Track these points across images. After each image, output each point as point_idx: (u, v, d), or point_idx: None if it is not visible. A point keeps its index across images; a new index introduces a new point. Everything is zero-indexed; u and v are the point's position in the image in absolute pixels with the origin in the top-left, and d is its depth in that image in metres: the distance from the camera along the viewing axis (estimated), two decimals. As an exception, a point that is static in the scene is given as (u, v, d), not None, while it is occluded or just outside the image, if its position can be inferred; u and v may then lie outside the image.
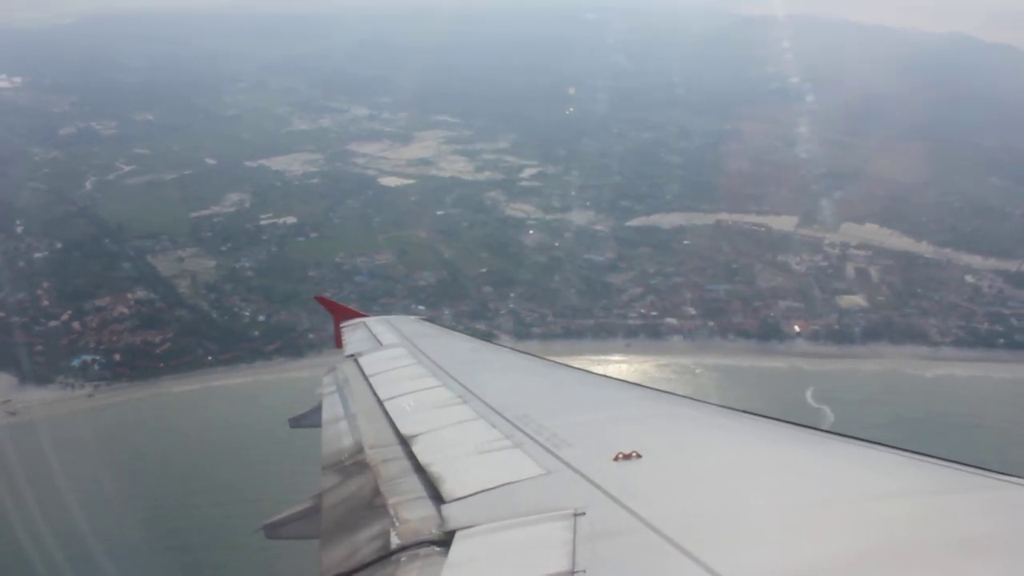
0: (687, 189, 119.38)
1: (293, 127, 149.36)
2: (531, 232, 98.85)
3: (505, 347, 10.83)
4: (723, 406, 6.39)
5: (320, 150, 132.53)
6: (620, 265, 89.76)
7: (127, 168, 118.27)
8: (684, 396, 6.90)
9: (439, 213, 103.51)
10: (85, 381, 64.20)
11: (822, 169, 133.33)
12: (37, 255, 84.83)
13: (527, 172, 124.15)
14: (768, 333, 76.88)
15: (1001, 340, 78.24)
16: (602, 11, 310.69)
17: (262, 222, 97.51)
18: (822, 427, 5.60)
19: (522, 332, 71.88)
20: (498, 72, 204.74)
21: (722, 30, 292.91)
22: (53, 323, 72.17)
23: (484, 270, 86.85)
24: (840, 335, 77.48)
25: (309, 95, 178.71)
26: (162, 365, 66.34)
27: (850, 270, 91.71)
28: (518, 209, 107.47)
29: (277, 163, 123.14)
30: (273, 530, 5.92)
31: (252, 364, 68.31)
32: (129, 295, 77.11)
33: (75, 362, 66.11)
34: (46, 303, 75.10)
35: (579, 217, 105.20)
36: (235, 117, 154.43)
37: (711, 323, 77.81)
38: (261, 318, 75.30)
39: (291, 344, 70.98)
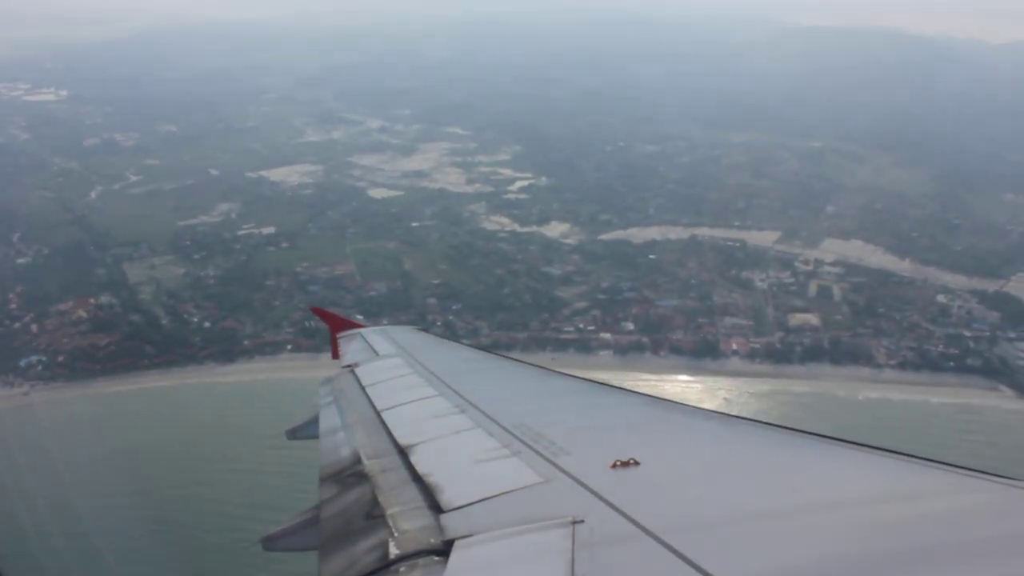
0: (674, 203, 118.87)
1: (304, 139, 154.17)
2: (499, 244, 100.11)
3: (503, 356, 11.03)
4: (722, 413, 6.46)
5: (322, 161, 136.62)
6: (575, 279, 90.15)
7: (135, 178, 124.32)
8: (682, 403, 6.96)
9: (414, 225, 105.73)
10: (25, 380, 68.50)
11: (825, 183, 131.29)
12: (21, 260, 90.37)
13: (517, 184, 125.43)
14: (704, 351, 76.22)
15: (951, 364, 75.74)
16: (644, 22, 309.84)
17: (240, 232, 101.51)
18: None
19: (450, 344, 73.11)
20: (523, 84, 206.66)
21: (769, 40, 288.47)
22: (15, 325, 77.01)
23: (437, 282, 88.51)
24: (780, 354, 76.27)
25: (331, 107, 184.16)
26: (99, 367, 70.19)
27: (813, 288, 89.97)
28: (495, 222, 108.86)
29: (277, 174, 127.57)
30: (271, 542, 5.89)
31: (184, 368, 71.59)
32: (92, 300, 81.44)
33: (22, 362, 70.49)
34: (14, 306, 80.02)
35: (553, 230, 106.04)
36: (253, 128, 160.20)
37: (646, 339, 77.60)
38: (207, 324, 78.68)
39: (225, 350, 74.07)
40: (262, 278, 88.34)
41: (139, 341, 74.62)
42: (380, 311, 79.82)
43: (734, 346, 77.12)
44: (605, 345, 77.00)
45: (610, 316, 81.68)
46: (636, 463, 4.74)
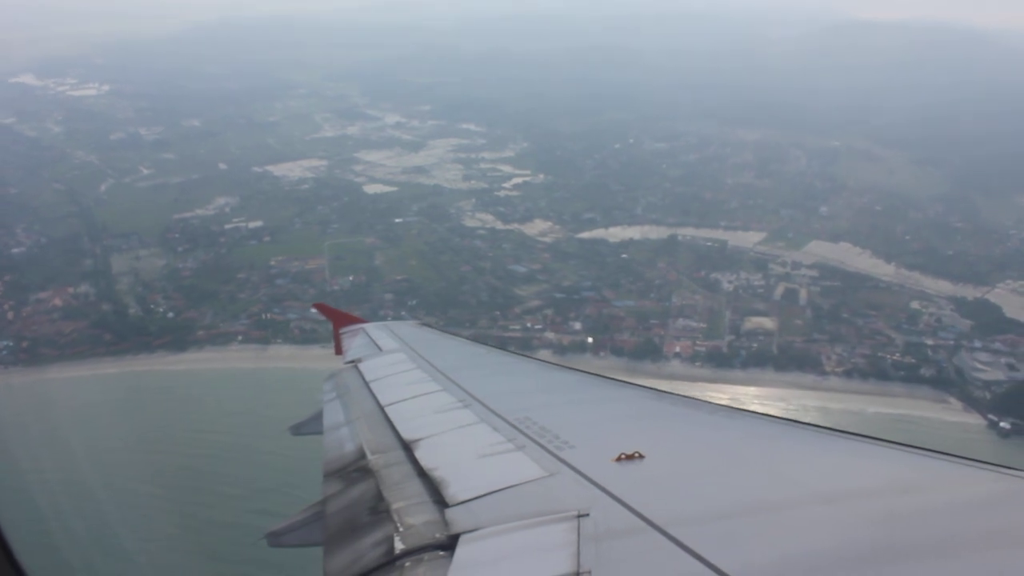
0: (666, 201, 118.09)
1: (319, 134, 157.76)
2: (475, 241, 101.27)
3: (505, 350, 11.26)
4: (726, 406, 6.49)
5: (329, 157, 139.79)
6: (539, 277, 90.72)
7: (146, 172, 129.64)
8: (685, 396, 7.01)
9: (397, 221, 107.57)
10: (-13, 364, 73.15)
11: (829, 183, 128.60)
12: (16, 250, 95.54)
13: (513, 182, 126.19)
14: (645, 352, 75.98)
15: (902, 373, 73.71)
16: (687, 16, 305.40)
17: (228, 225, 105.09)
18: None
19: (392, 339, 74.74)
20: (548, 80, 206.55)
21: (824, 35, 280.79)
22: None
23: (400, 277, 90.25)
24: (723, 358, 75.45)
25: (355, 102, 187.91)
26: (58, 353, 74.19)
27: (780, 291, 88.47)
28: (478, 219, 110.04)
29: (281, 169, 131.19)
30: (276, 538, 5.91)
31: (136, 356, 75.07)
32: (71, 289, 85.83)
33: (-10, 347, 75.26)
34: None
35: (533, 228, 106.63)
36: (273, 123, 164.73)
37: (591, 339, 77.80)
38: (170, 314, 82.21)
39: (178, 340, 77.25)
40: (235, 271, 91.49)
41: (101, 329, 78.48)
42: (335, 305, 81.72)
43: (677, 349, 76.66)
44: (547, 344, 77.45)
45: (561, 315, 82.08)
46: (640, 456, 4.75)
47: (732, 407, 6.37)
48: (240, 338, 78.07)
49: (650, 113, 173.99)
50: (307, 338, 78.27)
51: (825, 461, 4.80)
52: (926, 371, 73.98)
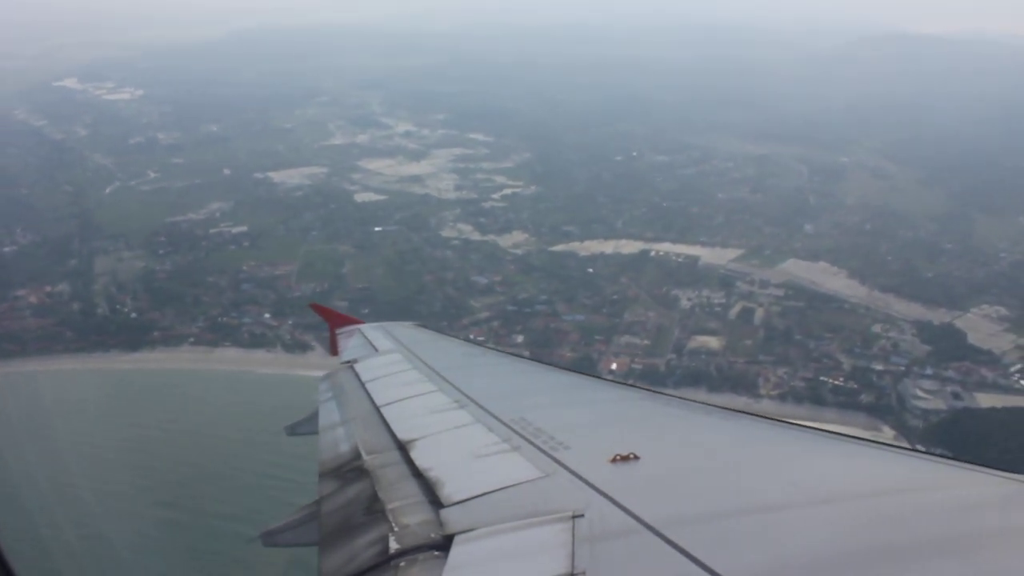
0: (650, 215, 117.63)
1: (328, 142, 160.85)
2: (446, 252, 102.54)
3: (501, 351, 11.58)
4: (721, 407, 6.50)
5: (331, 164, 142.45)
6: (497, 289, 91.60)
7: (153, 175, 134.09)
8: (681, 397, 7.06)
9: (376, 229, 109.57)
10: (-54, 359, 77.30)
11: (824, 200, 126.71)
12: (7, 248, 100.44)
13: (502, 193, 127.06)
14: (578, 367, 75.46)
15: (841, 398, 72.56)
16: (725, 28, 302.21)
17: (213, 230, 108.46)
18: None
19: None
20: (570, 90, 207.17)
21: (856, 47, 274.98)
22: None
23: (361, 286, 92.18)
24: (657, 377, 75.17)
25: (372, 110, 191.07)
26: (19, 348, 77.92)
27: (736, 310, 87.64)
28: (457, 229, 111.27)
29: (281, 176, 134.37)
30: (271, 538, 5.99)
31: (91, 353, 78.36)
32: (48, 288, 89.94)
33: (-42, 341, 79.58)
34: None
35: (508, 240, 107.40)
36: (287, 130, 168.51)
37: (527, 353, 78.12)
38: (133, 315, 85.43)
39: (133, 340, 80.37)
40: (207, 275, 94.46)
41: (66, 327, 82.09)
42: (289, 311, 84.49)
43: (614, 365, 76.75)
44: (484, 356, 78.23)
45: (506, 328, 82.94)
46: (636, 457, 4.79)
47: (728, 408, 6.52)
48: (192, 340, 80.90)
49: (663, 125, 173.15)
50: (255, 342, 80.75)
51: (820, 462, 4.91)
52: (866, 397, 72.62)
